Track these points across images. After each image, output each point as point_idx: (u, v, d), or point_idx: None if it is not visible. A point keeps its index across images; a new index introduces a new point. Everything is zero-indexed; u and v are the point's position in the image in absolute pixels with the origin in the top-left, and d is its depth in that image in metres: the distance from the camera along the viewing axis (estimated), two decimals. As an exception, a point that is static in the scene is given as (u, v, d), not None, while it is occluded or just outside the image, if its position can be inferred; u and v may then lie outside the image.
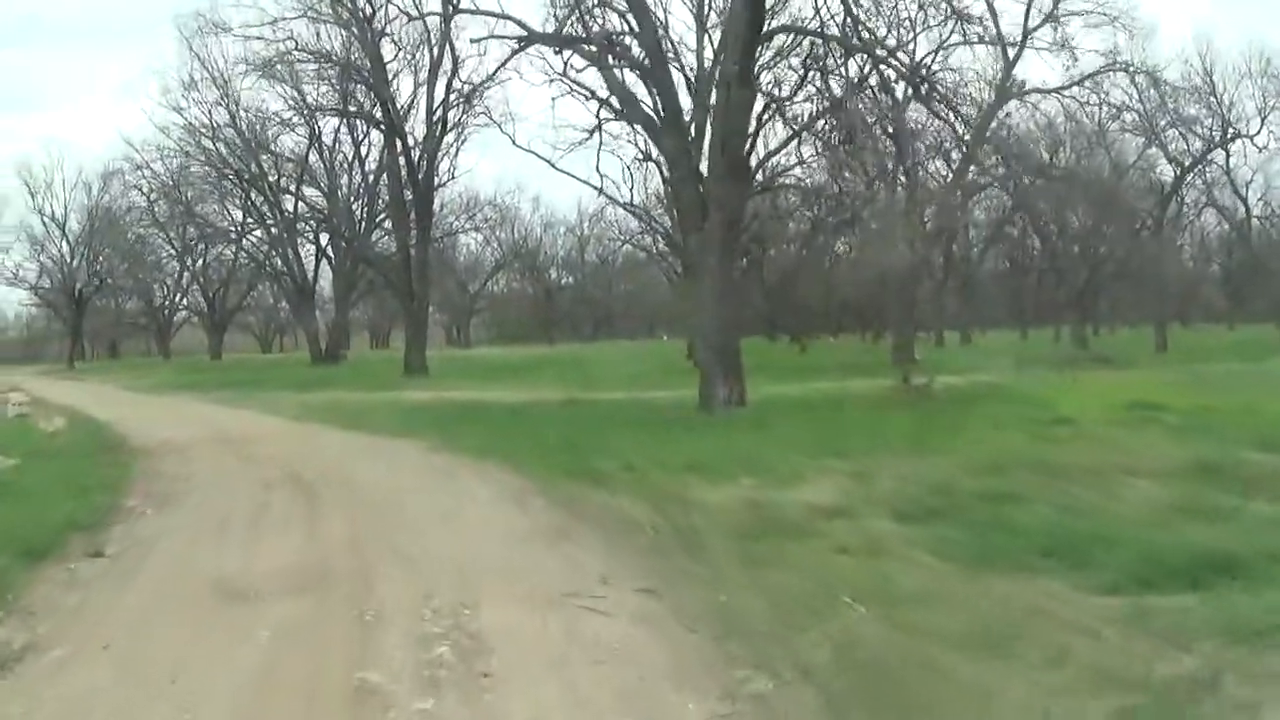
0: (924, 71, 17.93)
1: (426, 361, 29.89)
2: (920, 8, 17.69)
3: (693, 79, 27.30)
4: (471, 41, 28.48)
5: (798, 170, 28.94)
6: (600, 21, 17.24)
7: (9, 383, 29.01)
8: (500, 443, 10.95)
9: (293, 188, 39.75)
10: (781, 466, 8.69)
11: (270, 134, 36.26)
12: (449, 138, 31.78)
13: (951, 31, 22.44)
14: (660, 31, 20.82)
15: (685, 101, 21.56)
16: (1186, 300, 48.79)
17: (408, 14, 27.91)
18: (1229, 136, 37.43)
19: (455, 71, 29.77)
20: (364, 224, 40.39)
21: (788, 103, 17.62)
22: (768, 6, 16.84)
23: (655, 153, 24.45)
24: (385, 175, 35.31)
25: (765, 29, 15.42)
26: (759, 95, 16.49)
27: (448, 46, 29.34)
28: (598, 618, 4.74)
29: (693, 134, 20.32)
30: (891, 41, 17.76)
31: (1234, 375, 19.52)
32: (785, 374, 21.44)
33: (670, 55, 23.00)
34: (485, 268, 67.38)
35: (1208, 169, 39.27)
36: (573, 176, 41.95)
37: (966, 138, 21.57)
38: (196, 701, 3.81)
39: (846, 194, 24.47)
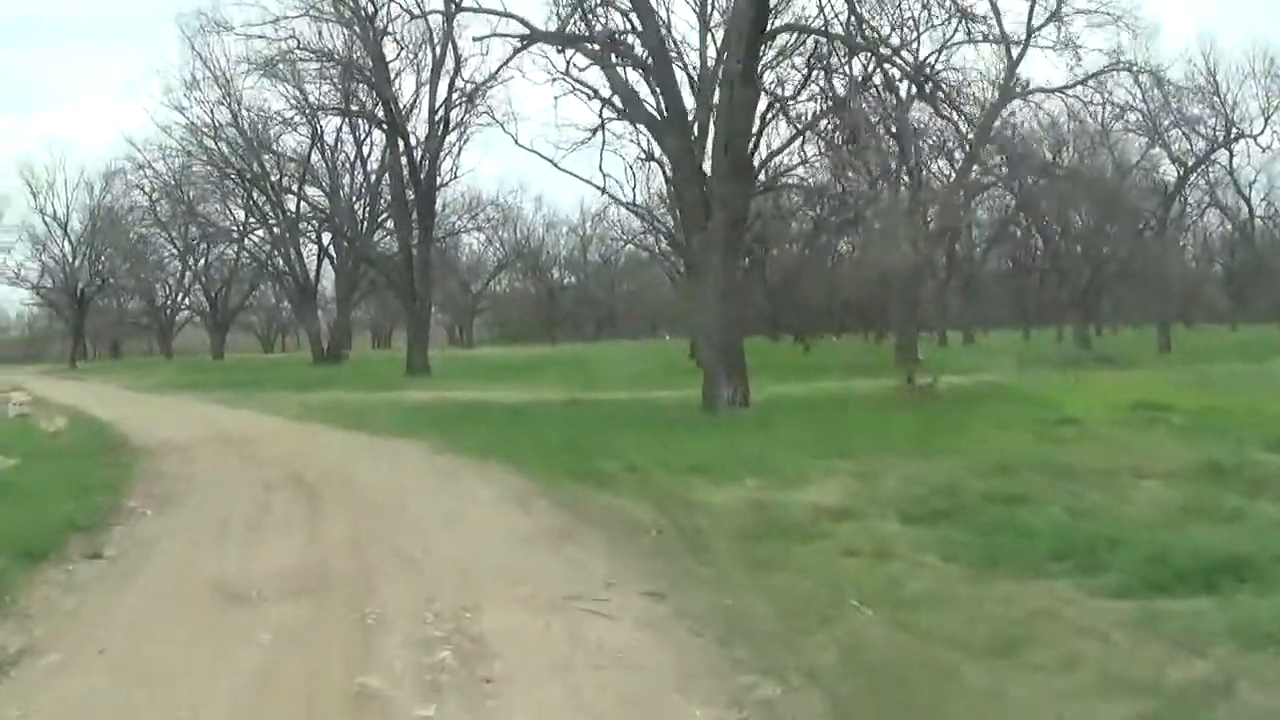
0: (928, 70, 17.87)
1: (428, 361, 29.89)
2: (924, 6, 17.74)
3: (696, 78, 27.28)
4: (474, 40, 28.65)
5: (801, 169, 29.11)
6: (603, 20, 17.24)
7: (10, 382, 29.01)
8: (502, 443, 10.89)
9: (295, 187, 39.74)
10: (786, 467, 8.64)
11: (272, 133, 36.37)
12: (451, 137, 31.86)
13: (955, 30, 22.52)
14: (663, 30, 20.86)
15: (688, 101, 21.53)
16: (1189, 300, 48.68)
17: (410, 12, 28.00)
18: (1232, 136, 37.43)
19: (458, 70, 29.81)
20: (366, 224, 40.34)
21: (791, 102, 17.62)
22: (771, 5, 16.85)
23: (658, 152, 24.50)
24: (387, 175, 35.33)
25: (769, 28, 15.39)
26: (762, 94, 16.48)
27: (450, 45, 29.37)
28: (601, 621, 4.69)
29: (696, 133, 20.32)
30: (895, 40, 17.82)
31: (1238, 375, 19.48)
32: (788, 374, 21.40)
33: (673, 54, 22.96)
34: (487, 267, 67.34)
35: (1211, 169, 39.32)
36: (575, 176, 41.73)
37: (970, 137, 21.49)
38: (194, 705, 3.77)
39: (850, 193, 24.45)
